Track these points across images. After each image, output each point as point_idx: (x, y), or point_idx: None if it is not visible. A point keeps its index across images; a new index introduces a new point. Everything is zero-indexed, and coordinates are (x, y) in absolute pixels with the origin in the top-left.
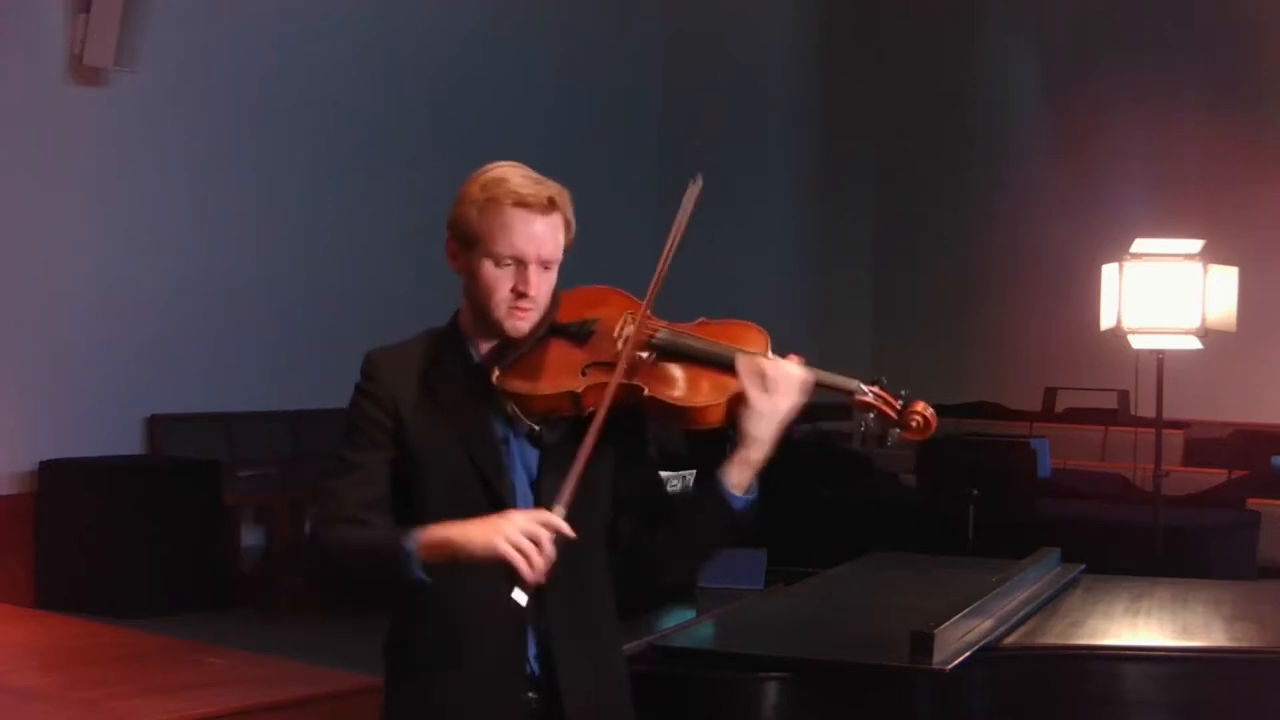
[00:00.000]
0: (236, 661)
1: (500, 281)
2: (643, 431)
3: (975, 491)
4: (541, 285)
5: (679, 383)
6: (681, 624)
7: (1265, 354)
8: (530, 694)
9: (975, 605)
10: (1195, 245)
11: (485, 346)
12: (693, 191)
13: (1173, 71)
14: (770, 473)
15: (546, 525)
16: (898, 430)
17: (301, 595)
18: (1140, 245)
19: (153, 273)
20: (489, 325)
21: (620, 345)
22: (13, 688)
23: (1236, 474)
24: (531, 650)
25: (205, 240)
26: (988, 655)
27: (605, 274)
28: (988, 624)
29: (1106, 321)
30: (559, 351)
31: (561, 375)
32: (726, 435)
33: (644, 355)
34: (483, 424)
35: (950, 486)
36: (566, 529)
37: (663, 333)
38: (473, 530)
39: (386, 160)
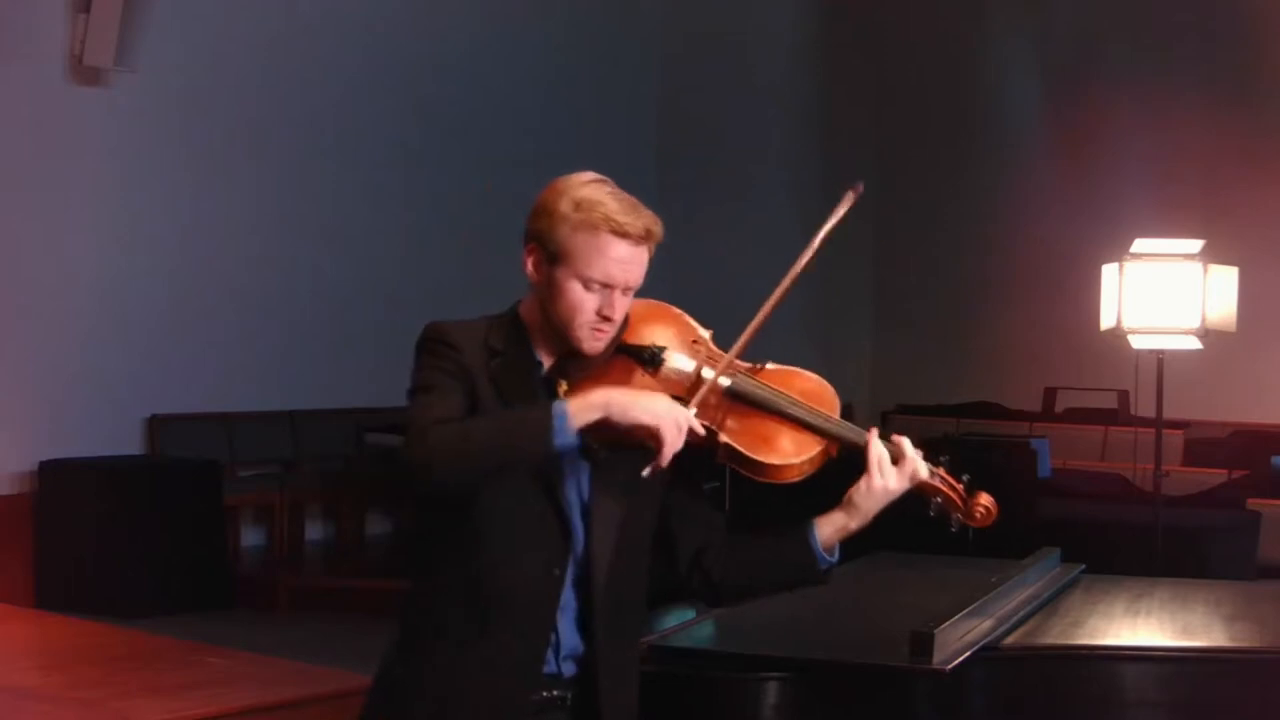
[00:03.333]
0: (236, 661)
1: (586, 303)
2: (704, 468)
3: None
4: (623, 309)
5: (758, 433)
6: (681, 624)
7: (1265, 354)
8: (555, 692)
9: (975, 605)
10: (1195, 245)
11: (547, 348)
12: (846, 200)
13: (1173, 72)
14: None
15: (689, 421)
16: (959, 517)
17: (301, 595)
18: (1140, 245)
19: (153, 273)
20: (561, 338)
21: (693, 378)
22: (13, 688)
23: (1236, 474)
24: (568, 649)
25: (205, 240)
26: (988, 655)
27: None
28: (988, 624)
29: (1106, 321)
30: (628, 376)
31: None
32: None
33: (717, 398)
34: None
35: None
36: (699, 426)
37: (742, 379)
38: (642, 399)
39: (388, 159)
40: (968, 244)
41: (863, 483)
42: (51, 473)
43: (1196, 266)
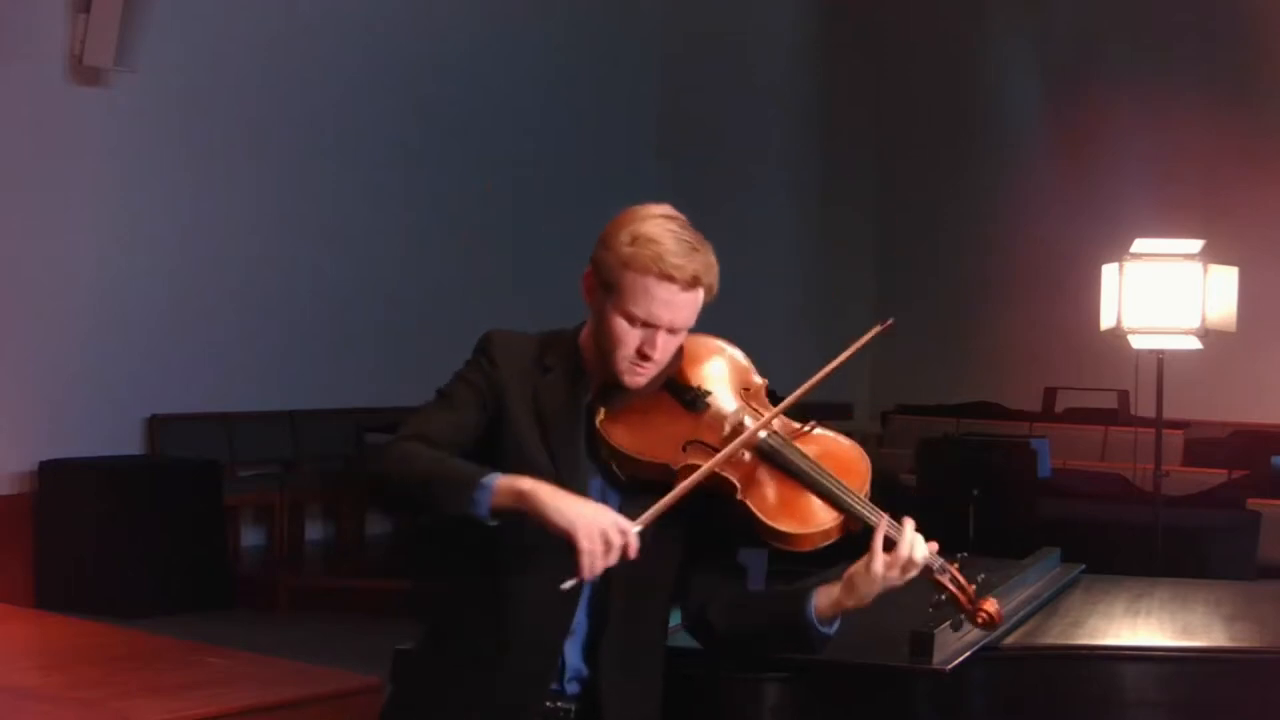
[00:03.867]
0: (236, 661)
1: (628, 338)
2: (729, 523)
3: (975, 491)
4: (668, 347)
5: (777, 498)
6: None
7: (1265, 354)
8: (559, 704)
9: None
10: (1195, 245)
11: (598, 372)
12: (877, 331)
13: (1173, 72)
14: None
15: (624, 536)
16: (962, 618)
17: (301, 595)
18: (1140, 245)
19: (153, 273)
20: (606, 368)
21: (730, 429)
22: (13, 688)
23: (1236, 474)
24: (573, 673)
25: (205, 240)
26: (987, 655)
27: None
28: None
29: (1106, 321)
30: (667, 415)
31: (663, 443)
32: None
33: (748, 454)
34: (574, 452)
35: (950, 487)
36: (634, 548)
37: (776, 439)
38: (562, 501)
39: (388, 159)
40: (968, 244)
41: (862, 564)
42: (51, 473)
43: (1196, 266)
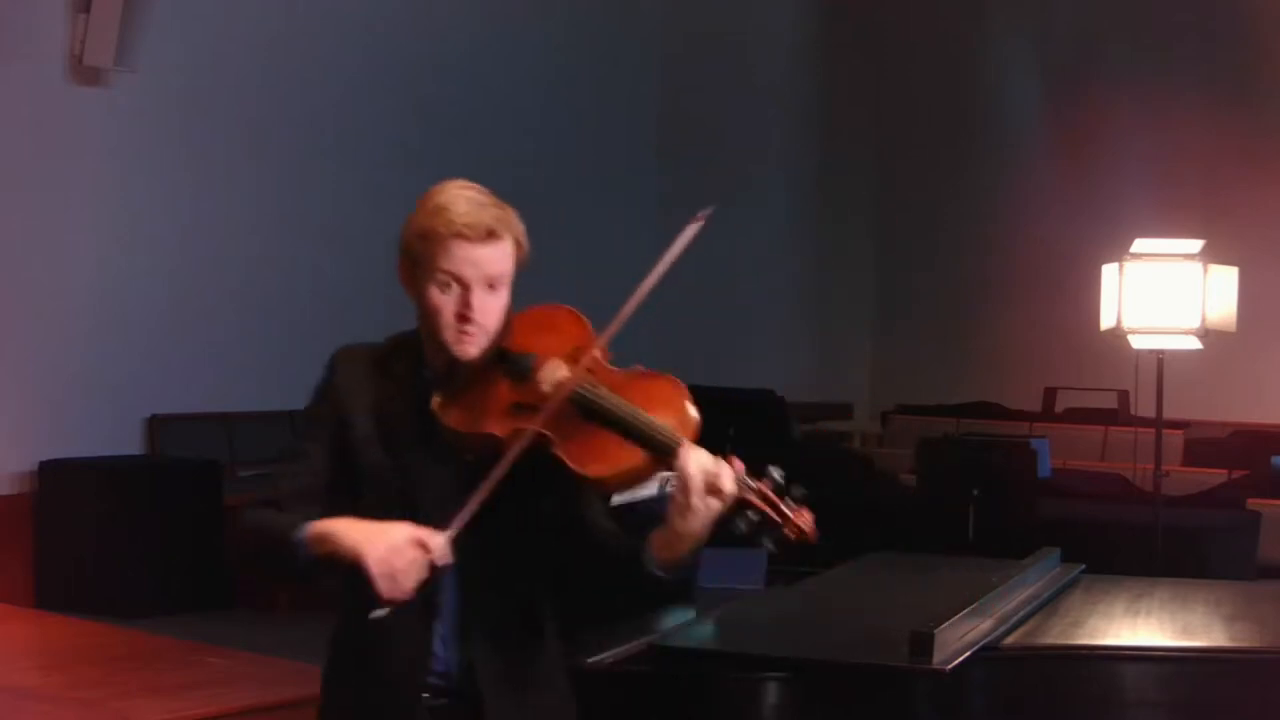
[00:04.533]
0: (236, 661)
1: (444, 305)
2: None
3: (975, 492)
4: (487, 307)
5: (587, 446)
6: (681, 624)
7: (1265, 354)
8: (444, 685)
9: (975, 605)
10: (1195, 245)
11: (438, 360)
12: (693, 228)
13: (1173, 72)
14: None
15: (426, 548)
16: (771, 537)
17: (301, 595)
18: (1140, 245)
19: (153, 273)
20: (440, 348)
21: (549, 390)
22: (13, 688)
23: (1236, 474)
24: (450, 653)
25: (205, 240)
26: (987, 655)
27: (603, 275)
28: (988, 624)
29: (1106, 321)
30: (495, 386)
31: (490, 415)
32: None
33: (567, 409)
34: (423, 450)
35: (950, 487)
36: (445, 557)
37: (586, 388)
38: (355, 532)
39: (388, 159)
40: (968, 244)
41: (679, 504)
42: (51, 473)
43: (1196, 266)
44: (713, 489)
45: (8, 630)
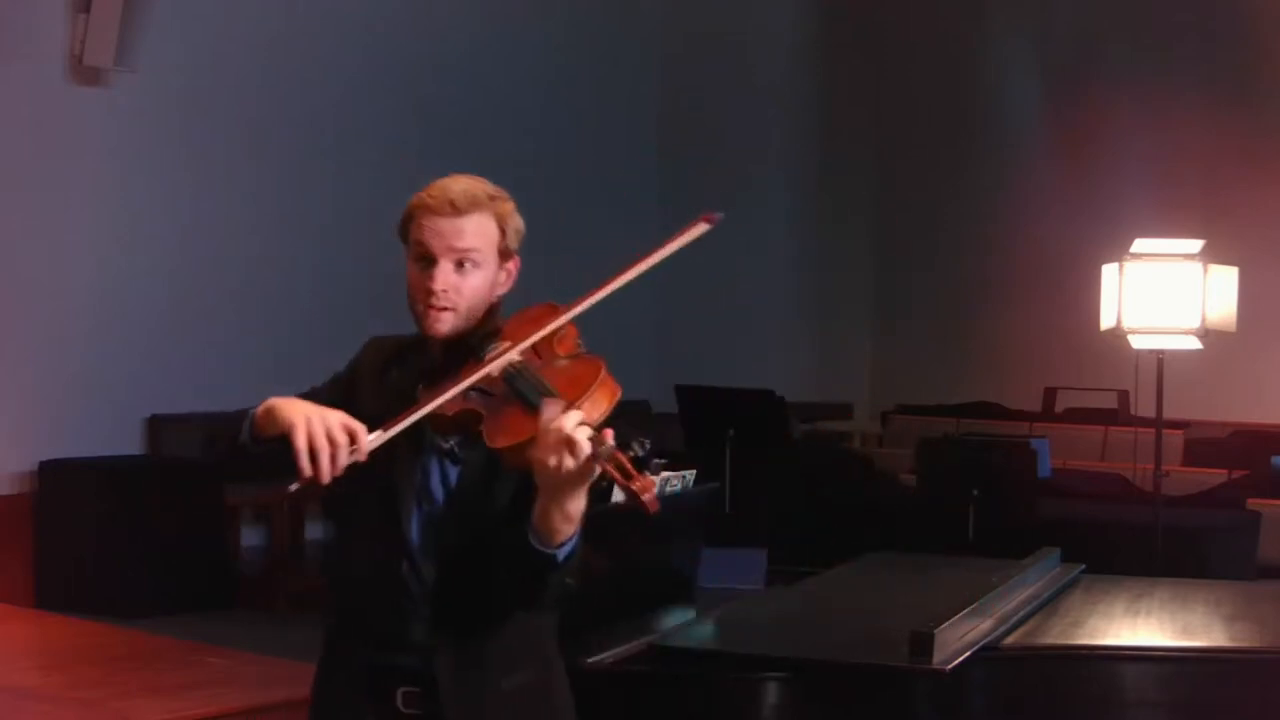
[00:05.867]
0: (236, 661)
1: (415, 280)
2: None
3: (975, 492)
4: (453, 283)
5: (502, 420)
6: (681, 624)
7: (1265, 354)
8: (407, 669)
9: (975, 605)
10: (1195, 245)
11: (434, 349)
12: (699, 229)
13: (1173, 72)
14: (771, 472)
15: (352, 434)
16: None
17: (301, 595)
18: (1140, 245)
19: (153, 273)
20: (420, 329)
21: (495, 371)
22: (13, 688)
23: (1236, 474)
24: (411, 633)
25: (205, 240)
26: (987, 655)
27: (603, 275)
28: (988, 624)
29: (1106, 321)
30: (461, 371)
31: (453, 398)
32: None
33: (502, 387)
34: (408, 435)
35: (950, 487)
36: (364, 449)
37: (515, 367)
38: (293, 408)
39: (387, 160)
40: (968, 244)
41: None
42: (51, 473)
43: (1196, 266)
44: (566, 449)
45: (8, 630)
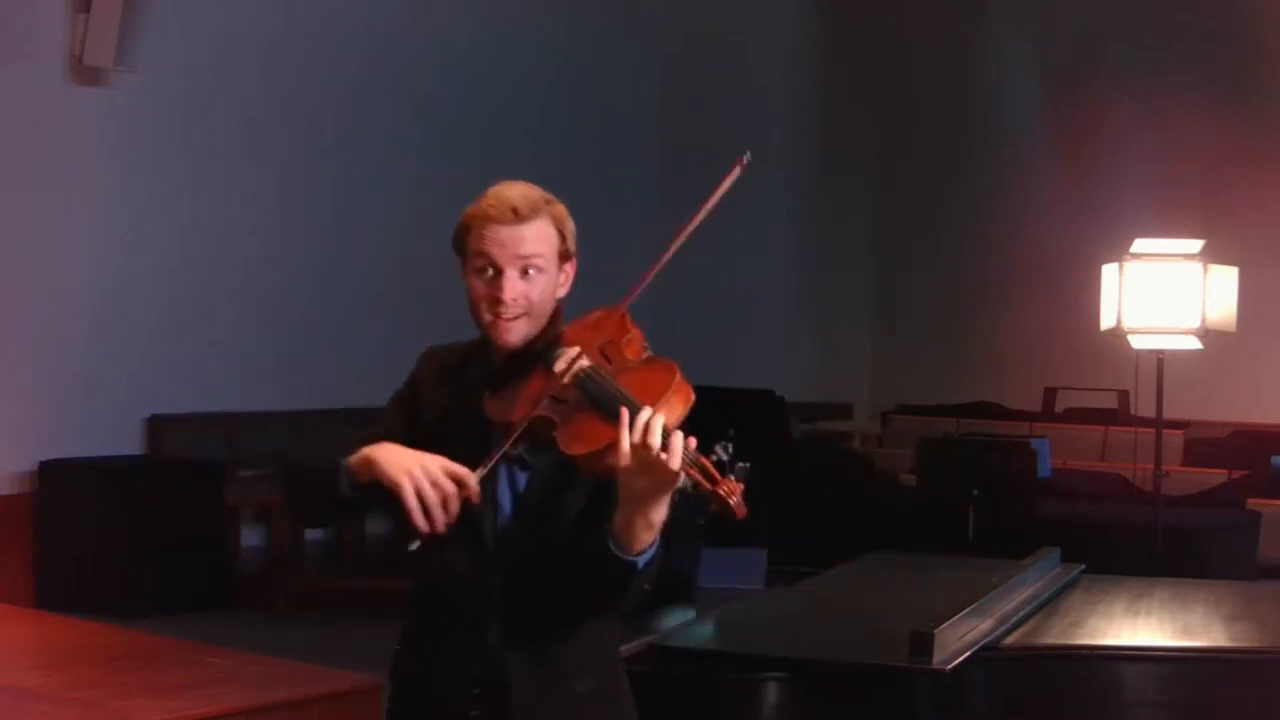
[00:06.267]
0: (236, 661)
1: (479, 290)
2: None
3: (975, 491)
4: (520, 290)
5: (578, 428)
6: (681, 624)
7: (1265, 354)
8: (481, 691)
9: (975, 605)
10: (1195, 245)
11: (497, 357)
12: (734, 173)
13: (1173, 72)
14: (771, 472)
15: (458, 479)
16: (713, 507)
17: (301, 595)
18: (1140, 245)
19: (153, 273)
20: (487, 339)
21: (566, 379)
22: (12, 688)
23: (1236, 474)
24: (490, 652)
25: (205, 240)
26: (987, 655)
27: (603, 276)
28: (988, 624)
29: (1106, 321)
30: (533, 378)
31: (523, 403)
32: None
33: (576, 394)
34: (475, 442)
35: (950, 487)
36: (474, 490)
37: (589, 373)
38: (394, 456)
39: (387, 161)
40: (968, 244)
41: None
42: (51, 473)
43: (1196, 266)
44: (652, 458)
45: (8, 630)
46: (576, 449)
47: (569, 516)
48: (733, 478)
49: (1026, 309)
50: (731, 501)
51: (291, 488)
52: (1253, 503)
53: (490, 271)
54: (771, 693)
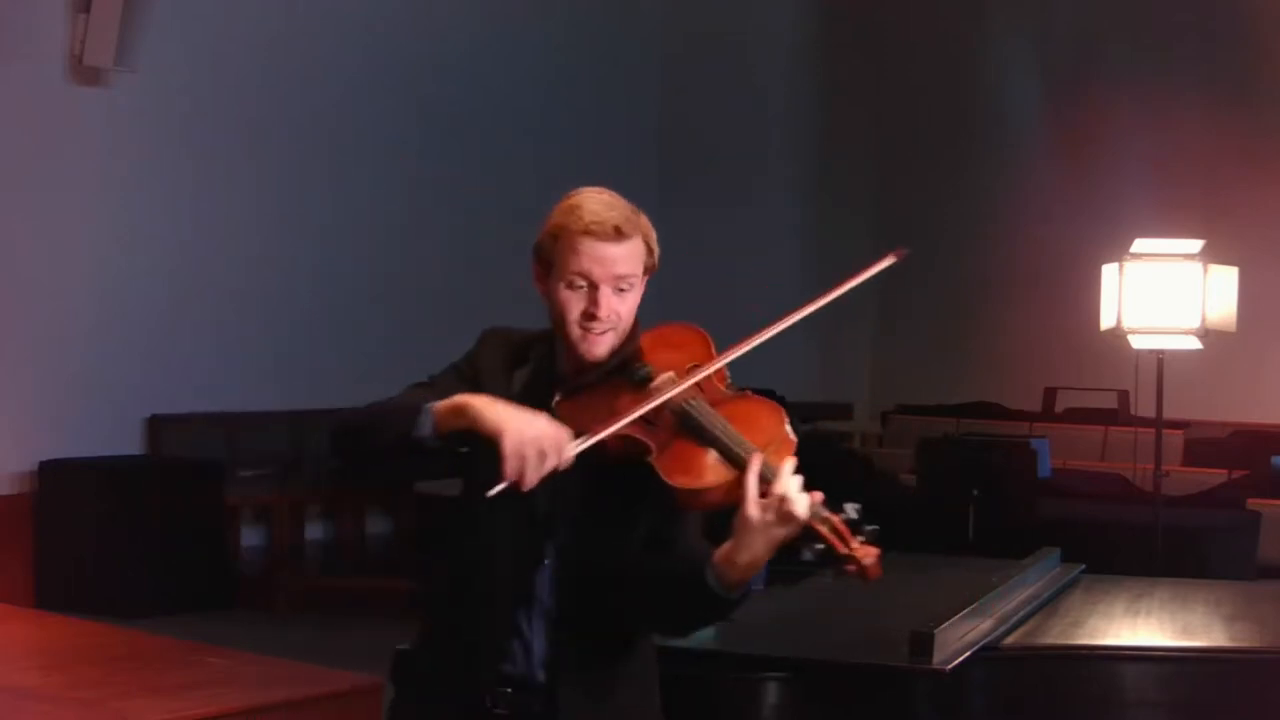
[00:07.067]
0: (236, 661)
1: (573, 304)
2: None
3: (975, 492)
4: (614, 307)
5: (680, 457)
6: None
7: (1265, 354)
8: (512, 691)
9: (975, 605)
10: (1195, 245)
11: (569, 361)
12: (885, 263)
13: (1173, 72)
14: None
15: (558, 448)
16: (843, 567)
17: (301, 595)
18: (1140, 245)
19: (153, 273)
20: (568, 348)
21: (659, 402)
22: (13, 688)
23: (1236, 474)
24: (539, 651)
25: (205, 240)
26: (988, 655)
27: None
28: (988, 624)
29: (1106, 321)
30: (614, 391)
31: (604, 417)
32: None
33: (669, 420)
34: None
35: (950, 487)
36: (568, 463)
37: (693, 404)
38: (498, 411)
39: (387, 160)
40: (968, 244)
41: (742, 509)
42: (51, 473)
43: (1196, 266)
44: (783, 511)
45: (8, 630)
46: (681, 481)
47: (631, 526)
48: (861, 539)
49: (1026, 309)
50: (867, 562)
51: (337, 434)
52: (1253, 503)
53: (585, 286)
54: (771, 693)
